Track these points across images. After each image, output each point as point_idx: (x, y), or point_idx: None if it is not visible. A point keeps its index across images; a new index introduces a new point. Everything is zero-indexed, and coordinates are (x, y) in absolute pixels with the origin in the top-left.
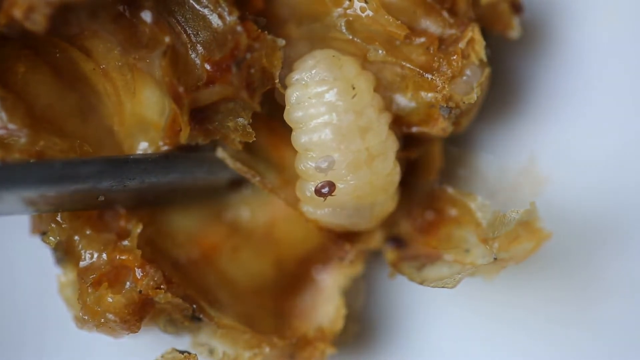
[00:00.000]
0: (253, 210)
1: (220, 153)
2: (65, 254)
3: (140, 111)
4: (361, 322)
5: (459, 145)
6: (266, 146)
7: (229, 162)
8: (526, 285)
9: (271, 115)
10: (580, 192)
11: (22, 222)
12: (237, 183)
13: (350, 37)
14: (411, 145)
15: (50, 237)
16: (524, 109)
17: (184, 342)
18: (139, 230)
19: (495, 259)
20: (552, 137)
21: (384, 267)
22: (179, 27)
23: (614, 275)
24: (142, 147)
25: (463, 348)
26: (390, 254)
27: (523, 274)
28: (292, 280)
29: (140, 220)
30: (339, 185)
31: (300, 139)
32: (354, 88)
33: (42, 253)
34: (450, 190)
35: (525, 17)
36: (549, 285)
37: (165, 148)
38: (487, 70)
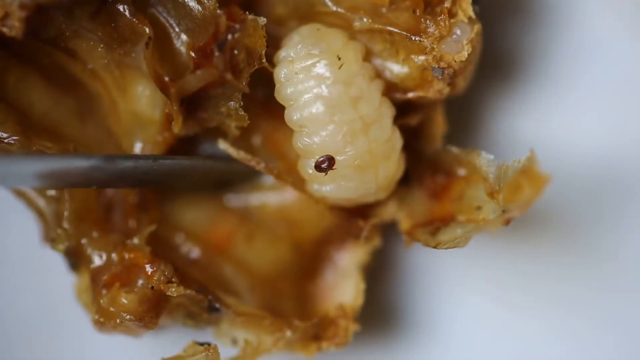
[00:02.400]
0: (262, 195)
1: (222, 144)
2: (76, 259)
3: (134, 108)
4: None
5: (459, 144)
6: (265, 131)
7: (232, 151)
8: (530, 269)
9: (268, 100)
10: (582, 188)
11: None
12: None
13: (335, 8)
14: (411, 112)
15: (59, 245)
16: (524, 109)
17: (207, 335)
18: (151, 230)
19: (503, 211)
20: (553, 135)
21: (384, 266)
22: (162, 18)
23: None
24: (139, 145)
25: (465, 347)
26: (404, 222)
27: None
28: (310, 262)
29: (150, 218)
30: (338, 158)
31: (292, 116)
32: (339, 59)
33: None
34: (454, 150)
35: (532, 13)
36: (562, 273)
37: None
38: (477, 27)
